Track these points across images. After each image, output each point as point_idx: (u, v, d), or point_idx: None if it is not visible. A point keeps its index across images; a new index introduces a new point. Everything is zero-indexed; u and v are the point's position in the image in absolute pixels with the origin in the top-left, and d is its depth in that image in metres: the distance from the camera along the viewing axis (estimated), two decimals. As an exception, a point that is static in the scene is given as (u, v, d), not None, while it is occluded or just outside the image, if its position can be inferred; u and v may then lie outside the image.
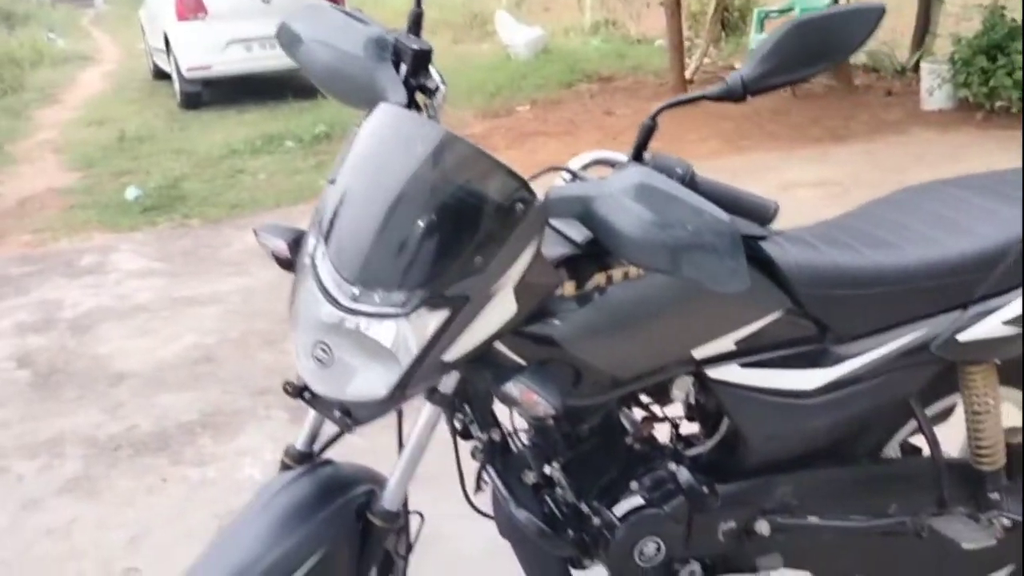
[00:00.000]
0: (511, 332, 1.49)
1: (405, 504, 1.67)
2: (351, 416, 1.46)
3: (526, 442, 1.73)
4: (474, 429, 1.69)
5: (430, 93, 1.57)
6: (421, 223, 1.34)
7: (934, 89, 7.27)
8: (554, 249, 1.52)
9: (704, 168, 1.49)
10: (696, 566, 1.79)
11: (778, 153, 6.67)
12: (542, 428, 1.69)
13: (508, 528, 1.72)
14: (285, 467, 1.64)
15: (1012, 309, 1.74)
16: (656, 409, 1.80)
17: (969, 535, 1.79)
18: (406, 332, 1.34)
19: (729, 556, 1.82)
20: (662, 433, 1.84)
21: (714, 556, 1.81)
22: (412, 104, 1.55)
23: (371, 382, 1.37)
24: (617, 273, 1.54)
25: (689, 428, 1.86)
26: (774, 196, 1.54)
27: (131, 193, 6.54)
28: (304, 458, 1.64)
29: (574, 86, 9.62)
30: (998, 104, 6.93)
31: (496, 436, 1.68)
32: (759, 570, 1.80)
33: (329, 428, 1.66)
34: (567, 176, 1.57)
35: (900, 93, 7.96)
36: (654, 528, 1.69)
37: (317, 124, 8.04)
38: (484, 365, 1.47)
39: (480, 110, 8.69)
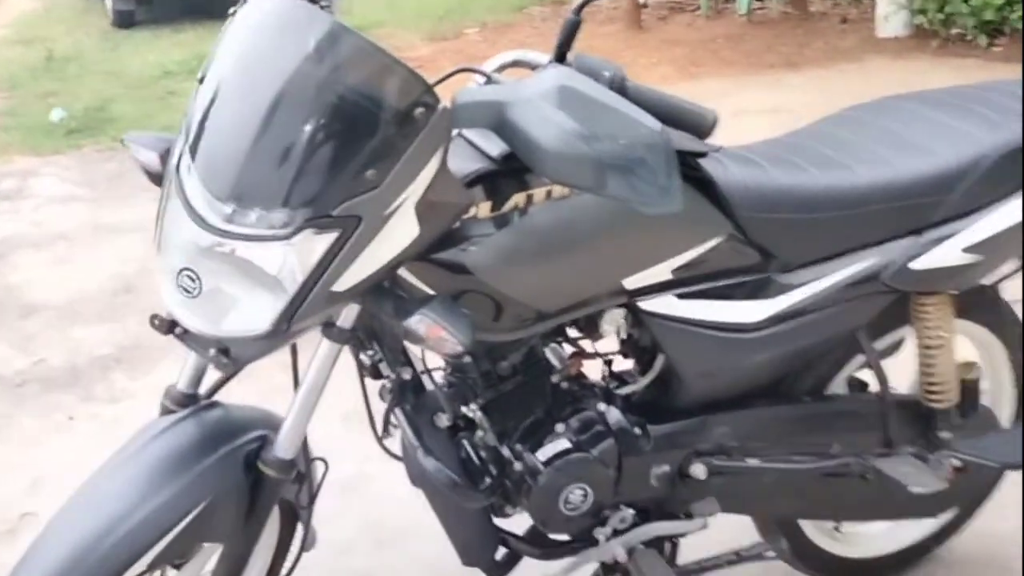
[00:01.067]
0: (417, 259, 1.33)
1: (306, 450, 1.51)
2: (229, 355, 1.28)
3: (441, 381, 1.57)
4: (383, 367, 1.53)
5: None
6: (304, 130, 1.15)
7: (890, 16, 7.08)
8: (466, 164, 1.35)
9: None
10: (627, 512, 1.66)
11: (731, 79, 6.48)
12: (460, 366, 1.53)
13: (419, 476, 1.56)
14: (166, 411, 1.47)
15: (972, 234, 1.60)
16: (587, 345, 1.64)
17: (917, 478, 1.67)
18: (289, 258, 1.16)
19: (663, 501, 1.69)
20: (594, 370, 1.70)
21: (647, 502, 1.68)
22: None
23: (249, 316, 1.19)
24: (539, 193, 1.37)
25: (623, 365, 1.72)
26: (725, 123, 1.38)
27: (56, 115, 6.17)
28: (188, 400, 1.47)
29: (526, 9, 9.29)
30: (954, 31, 6.77)
31: (407, 375, 1.52)
32: (694, 516, 1.67)
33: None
34: (480, 79, 1.38)
35: (856, 20, 7.76)
36: (581, 474, 1.55)
37: (255, 44, 7.66)
38: (386, 296, 1.29)
39: (427, 33, 8.36)
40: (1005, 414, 1.94)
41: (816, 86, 6.08)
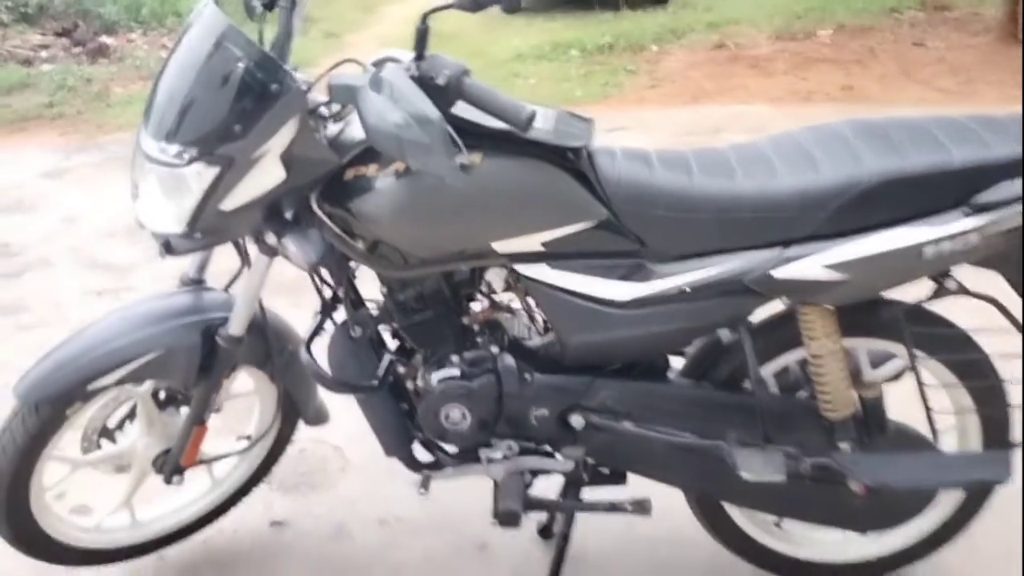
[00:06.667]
0: (329, 201, 1.77)
1: (268, 336, 2.02)
2: (170, 247, 1.83)
3: (372, 304, 1.99)
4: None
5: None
6: (197, 93, 1.67)
7: None
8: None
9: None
10: (514, 443, 1.98)
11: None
12: (387, 295, 1.94)
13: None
14: (178, 287, 2.07)
15: (836, 253, 1.69)
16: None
17: (749, 464, 1.81)
18: (187, 180, 1.68)
19: (551, 442, 1.98)
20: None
21: (534, 438, 1.98)
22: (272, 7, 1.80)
23: (166, 220, 1.73)
24: (416, 161, 1.75)
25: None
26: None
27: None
28: (192, 283, 2.06)
29: (898, 12, 8.89)
30: None
31: (341, 292, 1.97)
32: (562, 458, 1.95)
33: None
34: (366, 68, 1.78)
35: None
36: (459, 397, 1.90)
37: (605, 35, 8.26)
38: (276, 221, 1.77)
39: (777, 31, 8.36)
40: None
41: None
